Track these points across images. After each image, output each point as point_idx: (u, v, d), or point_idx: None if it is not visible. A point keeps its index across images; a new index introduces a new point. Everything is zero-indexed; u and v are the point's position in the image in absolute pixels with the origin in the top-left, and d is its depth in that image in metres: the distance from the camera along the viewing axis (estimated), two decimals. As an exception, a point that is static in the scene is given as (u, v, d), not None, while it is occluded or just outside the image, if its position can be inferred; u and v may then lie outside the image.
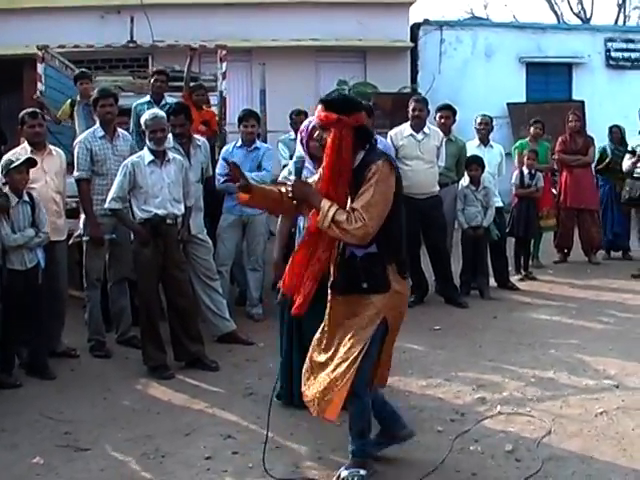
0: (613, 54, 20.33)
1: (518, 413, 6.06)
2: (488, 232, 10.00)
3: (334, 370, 4.78)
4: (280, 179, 6.42)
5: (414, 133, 9.40)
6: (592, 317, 9.05)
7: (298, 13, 17.97)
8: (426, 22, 19.66)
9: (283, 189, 4.90)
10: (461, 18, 28.23)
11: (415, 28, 19.43)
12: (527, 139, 12.12)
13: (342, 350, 4.78)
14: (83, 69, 10.60)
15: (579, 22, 31.54)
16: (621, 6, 32.86)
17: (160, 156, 7.16)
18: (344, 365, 4.73)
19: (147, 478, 5.08)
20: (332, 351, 4.87)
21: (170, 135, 7.73)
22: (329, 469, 5.12)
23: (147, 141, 7.21)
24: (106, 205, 7.20)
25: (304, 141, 6.14)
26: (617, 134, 12.54)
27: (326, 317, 5.00)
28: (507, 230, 10.81)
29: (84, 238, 7.69)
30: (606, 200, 12.52)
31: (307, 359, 5.06)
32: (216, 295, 7.98)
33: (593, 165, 12.67)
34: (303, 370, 5.07)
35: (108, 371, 7.26)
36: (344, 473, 4.89)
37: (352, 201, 4.60)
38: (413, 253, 8.87)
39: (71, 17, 16.89)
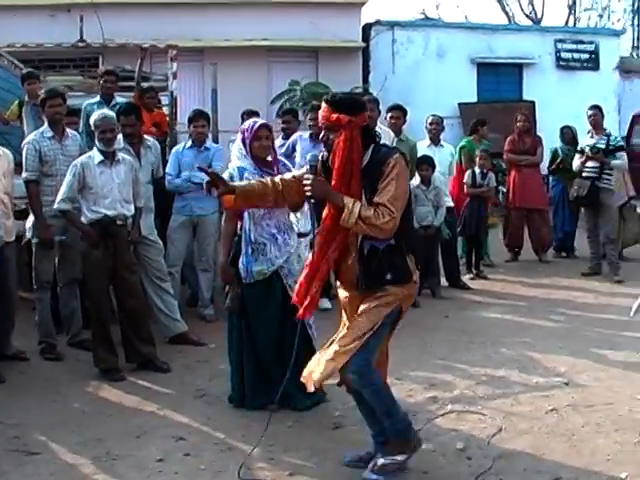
0: (563, 55, 20.59)
1: (469, 411, 6.10)
2: (439, 231, 10.06)
3: (340, 340, 4.80)
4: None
5: (364, 132, 9.41)
6: (543, 315, 9.16)
7: (250, 13, 17.95)
8: (378, 22, 19.76)
9: (276, 180, 4.91)
10: (413, 19, 28.36)
11: (367, 28, 19.52)
12: (471, 138, 12.21)
13: (352, 324, 4.82)
14: (30, 69, 10.47)
15: (530, 23, 31.84)
16: (571, 8, 33.30)
17: (110, 156, 7.10)
18: (349, 336, 4.75)
19: (98, 481, 5.04)
20: (344, 332, 4.86)
21: (120, 135, 7.68)
22: (281, 470, 5.11)
23: (96, 142, 7.15)
24: (55, 206, 7.12)
25: (247, 141, 6.15)
26: (569, 134, 12.69)
27: (344, 315, 5.03)
28: (458, 230, 10.88)
29: (33, 240, 7.61)
30: (557, 200, 12.65)
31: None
32: (167, 296, 7.94)
33: (546, 166, 12.83)
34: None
35: (58, 374, 7.18)
36: (380, 461, 4.89)
37: (368, 199, 4.61)
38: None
39: (20, 16, 16.72)
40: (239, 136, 6.27)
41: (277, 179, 4.98)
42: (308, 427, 5.80)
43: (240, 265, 6.13)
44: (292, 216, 6.23)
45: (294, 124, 9.94)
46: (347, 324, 4.93)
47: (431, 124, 10.86)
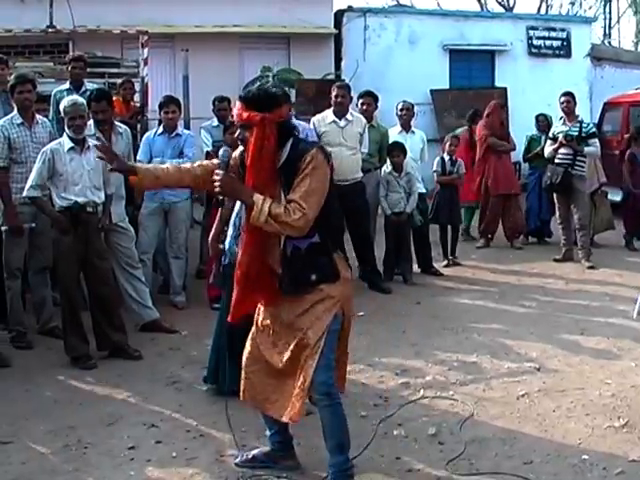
0: (535, 42, 20.58)
1: (441, 397, 6.14)
2: (411, 218, 10.06)
3: (299, 375, 4.56)
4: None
5: (337, 120, 9.43)
6: (514, 301, 9.21)
7: (221, -1, 17.86)
8: (350, 9, 19.67)
9: (194, 165, 4.77)
10: (386, 5, 28.29)
11: (339, 15, 19.42)
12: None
13: (301, 352, 4.55)
14: (-2, 54, 10.37)
15: (503, 10, 31.87)
16: (544, -5, 33.37)
17: (80, 143, 7.04)
18: (308, 363, 4.51)
19: (69, 470, 5.00)
20: (289, 354, 4.60)
21: (91, 122, 7.62)
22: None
23: (66, 128, 7.09)
24: (24, 193, 7.05)
25: None
26: (543, 122, 12.75)
27: (269, 318, 4.73)
28: (430, 217, 10.89)
29: (3, 228, 7.53)
30: (532, 187, 12.69)
31: (255, 359, 4.79)
32: (139, 283, 7.90)
33: (521, 153, 12.89)
34: (248, 368, 4.82)
35: (29, 362, 7.13)
36: None
37: (286, 197, 4.38)
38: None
39: (-11, 1, 16.53)
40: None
41: (196, 164, 4.81)
42: (280, 414, 5.80)
43: (223, 245, 6.20)
44: None
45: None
46: (277, 329, 4.68)
47: (402, 110, 10.81)
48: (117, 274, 7.75)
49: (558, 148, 11.05)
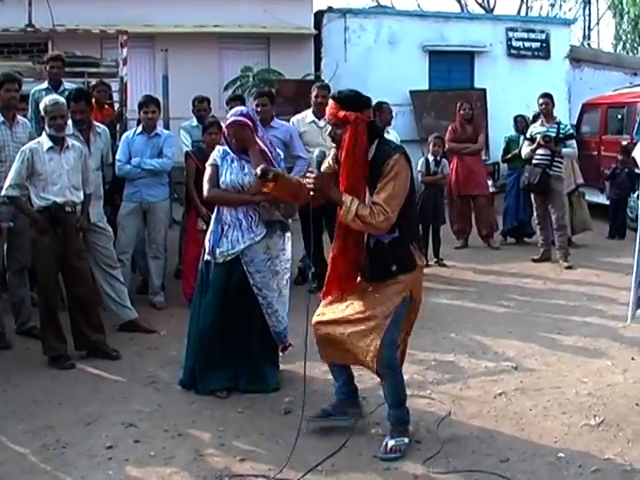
0: (514, 43, 20.67)
1: (419, 396, 6.15)
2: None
3: (362, 322, 5.05)
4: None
5: (316, 120, 9.45)
6: (492, 301, 9.25)
7: (201, -1, 17.85)
8: (330, 9, 19.69)
9: (303, 180, 5.06)
10: (366, 6, 28.37)
11: (319, 15, 19.45)
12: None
13: (370, 312, 5.04)
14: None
15: (483, 12, 31.99)
16: (524, -3, 33.57)
17: (59, 143, 7.01)
18: (372, 323, 5.02)
19: (47, 470, 4.99)
20: (357, 325, 5.08)
21: (70, 122, 7.61)
22: (231, 456, 5.13)
23: (46, 127, 7.05)
24: (3, 192, 7.01)
25: (223, 134, 6.25)
26: (522, 123, 12.87)
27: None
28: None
29: (-20, 227, 7.51)
30: (511, 187, 12.75)
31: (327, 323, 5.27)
32: (117, 283, 7.88)
33: (500, 154, 12.95)
34: (320, 331, 5.30)
35: (8, 362, 7.09)
36: (391, 442, 5.10)
37: (370, 191, 4.88)
38: (316, 240, 8.89)
39: (-33, 1, 16.44)
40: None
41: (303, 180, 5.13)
42: (259, 412, 5.82)
43: (206, 242, 6.27)
44: None
45: None
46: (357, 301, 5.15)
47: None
48: (95, 274, 7.72)
49: (536, 149, 11.12)
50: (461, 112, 12.46)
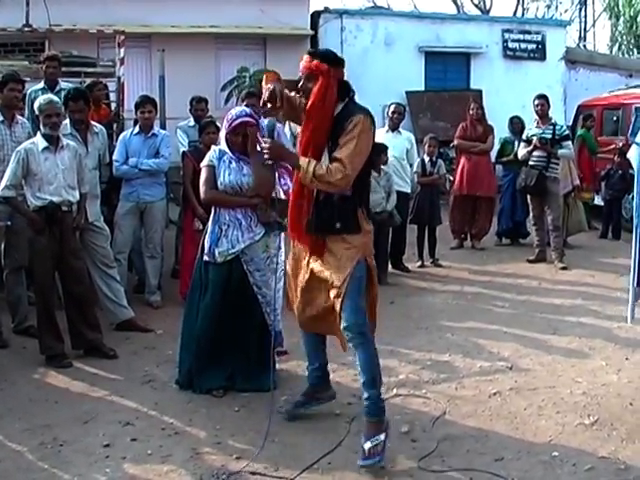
0: (510, 45, 20.75)
1: (414, 395, 6.19)
2: (391, 216, 10.08)
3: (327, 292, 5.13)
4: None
5: (312, 121, 9.45)
6: (488, 301, 9.29)
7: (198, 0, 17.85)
8: (326, 10, 19.75)
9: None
10: (362, 7, 28.41)
11: (315, 16, 19.50)
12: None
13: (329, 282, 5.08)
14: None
15: (479, 13, 32.02)
16: (520, -2, 33.61)
17: (54, 142, 7.01)
18: (333, 292, 5.05)
19: (45, 468, 5.00)
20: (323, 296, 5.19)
21: (67, 121, 7.63)
22: (228, 454, 5.15)
23: (41, 126, 7.05)
24: (-1, 193, 7.05)
25: (227, 135, 6.20)
26: (518, 125, 12.85)
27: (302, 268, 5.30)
28: (410, 217, 10.96)
29: (-21, 226, 7.53)
30: (507, 188, 12.78)
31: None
32: (114, 283, 7.90)
33: (494, 156, 12.96)
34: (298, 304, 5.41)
35: (5, 361, 7.10)
36: (367, 445, 4.97)
37: (330, 149, 4.90)
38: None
39: (-36, 0, 16.43)
40: (224, 123, 6.27)
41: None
42: (254, 411, 5.83)
43: (205, 243, 6.27)
44: None
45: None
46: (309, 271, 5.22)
47: (393, 113, 11.03)
48: (92, 273, 7.73)
49: (532, 150, 11.16)
50: (471, 112, 12.48)
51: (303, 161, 4.87)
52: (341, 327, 5.05)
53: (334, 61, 4.98)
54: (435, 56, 20.09)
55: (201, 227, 7.65)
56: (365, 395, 5.14)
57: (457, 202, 12.49)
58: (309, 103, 4.93)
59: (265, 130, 5.13)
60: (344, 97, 5.01)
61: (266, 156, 5.02)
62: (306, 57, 5.02)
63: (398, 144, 10.72)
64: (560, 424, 5.59)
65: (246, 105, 8.75)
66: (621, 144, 14.00)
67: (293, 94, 5.26)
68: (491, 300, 9.33)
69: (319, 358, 5.65)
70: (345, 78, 5.08)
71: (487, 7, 33.50)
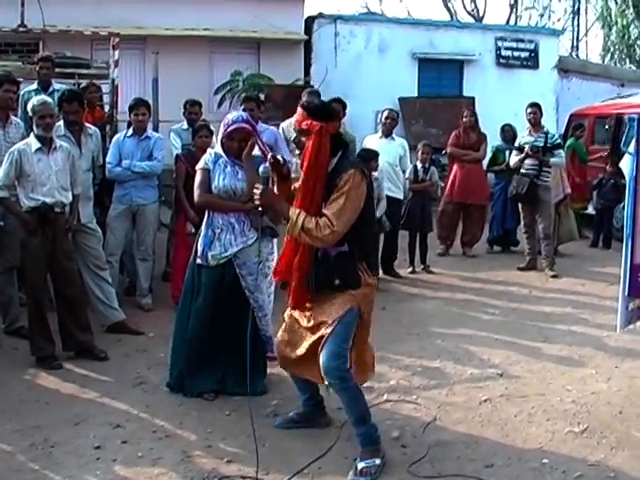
0: (503, 53, 20.81)
1: (405, 401, 6.20)
2: (381, 223, 10.09)
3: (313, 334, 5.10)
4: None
5: (306, 126, 9.45)
6: (478, 308, 9.30)
7: (193, 2, 17.84)
8: (320, 15, 19.76)
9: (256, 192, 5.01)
10: (356, 13, 28.42)
11: (309, 21, 19.52)
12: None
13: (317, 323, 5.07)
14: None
15: (472, 21, 32.09)
16: (513, 6, 33.68)
17: (47, 143, 7.00)
18: (317, 335, 5.05)
19: (35, 469, 5.01)
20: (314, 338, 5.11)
21: (61, 123, 7.62)
22: (219, 458, 5.16)
23: (34, 127, 7.03)
24: (-9, 194, 7.03)
25: (222, 139, 6.20)
26: (509, 133, 12.87)
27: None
28: (401, 223, 10.97)
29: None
30: (498, 196, 12.81)
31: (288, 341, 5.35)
32: (105, 285, 7.89)
33: (486, 164, 12.98)
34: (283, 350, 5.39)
35: (-5, 362, 7.12)
36: (360, 465, 4.95)
37: (325, 203, 4.83)
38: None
39: (-42, 0, 16.39)
40: (221, 128, 6.26)
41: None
42: (246, 415, 5.79)
43: (198, 246, 6.26)
44: None
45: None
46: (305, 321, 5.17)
47: (387, 118, 11.07)
48: (84, 275, 7.72)
49: (524, 159, 11.18)
50: (464, 120, 12.49)
51: (293, 212, 4.83)
52: (321, 371, 4.97)
53: (327, 116, 4.93)
54: (428, 63, 20.13)
55: (193, 230, 7.65)
56: (355, 432, 5.11)
57: (446, 209, 12.48)
58: (304, 165, 4.89)
59: (260, 177, 5.07)
60: (337, 151, 4.96)
61: (257, 202, 4.98)
62: (300, 111, 4.98)
63: (391, 150, 10.75)
64: (550, 431, 5.61)
65: (244, 110, 8.78)
66: (605, 154, 14.10)
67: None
68: (482, 307, 9.34)
69: (309, 389, 5.60)
70: (337, 130, 5.04)
71: (480, 15, 33.58)
